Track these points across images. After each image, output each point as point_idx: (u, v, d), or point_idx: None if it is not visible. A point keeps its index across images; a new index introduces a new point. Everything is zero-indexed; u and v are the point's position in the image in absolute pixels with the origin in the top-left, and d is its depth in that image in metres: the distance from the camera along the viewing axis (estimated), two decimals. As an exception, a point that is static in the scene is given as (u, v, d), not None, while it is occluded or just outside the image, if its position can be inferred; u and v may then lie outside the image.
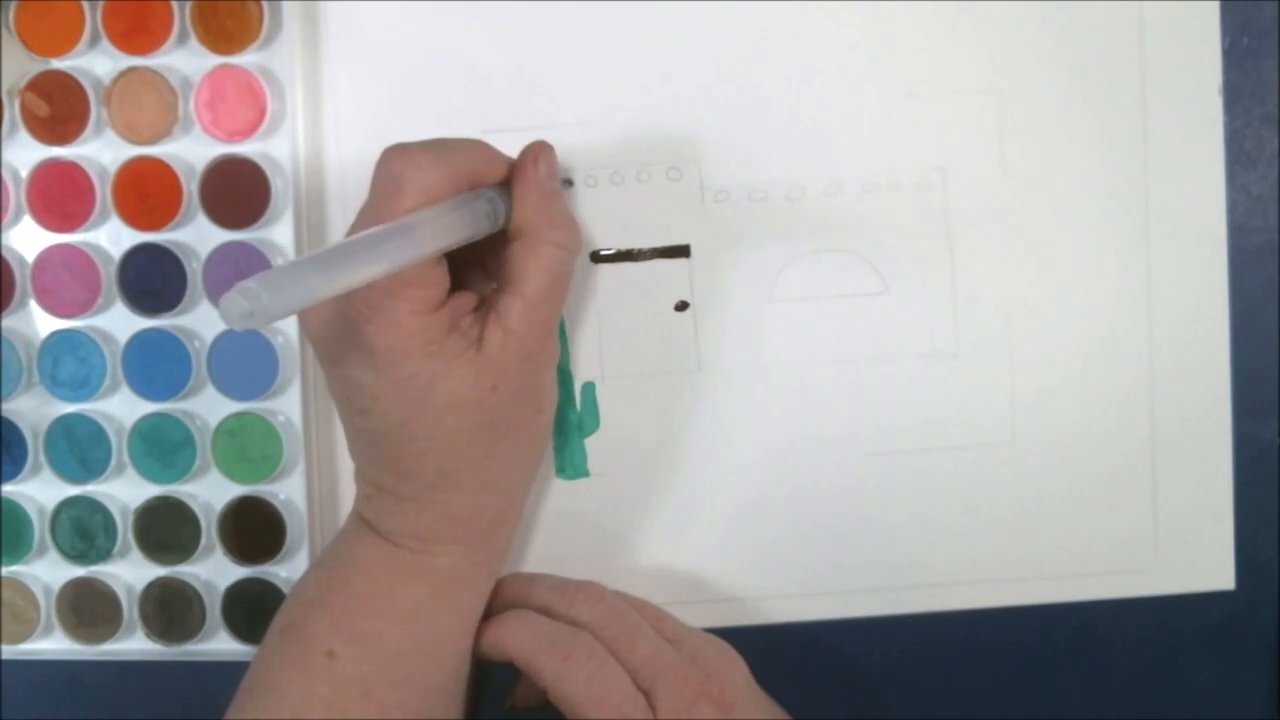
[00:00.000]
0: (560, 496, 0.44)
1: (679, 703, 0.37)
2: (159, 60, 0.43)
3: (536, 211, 0.36)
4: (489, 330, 0.35)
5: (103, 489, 0.44)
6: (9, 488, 0.45)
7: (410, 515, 0.37)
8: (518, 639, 0.38)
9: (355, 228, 0.35)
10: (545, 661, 0.37)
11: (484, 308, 0.36)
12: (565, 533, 0.44)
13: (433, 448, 0.36)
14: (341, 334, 0.35)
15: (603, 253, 0.43)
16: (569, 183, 0.42)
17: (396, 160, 0.34)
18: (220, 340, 0.43)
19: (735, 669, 0.39)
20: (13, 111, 0.43)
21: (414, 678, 0.38)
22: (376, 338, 0.34)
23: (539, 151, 0.37)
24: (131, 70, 0.42)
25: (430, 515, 0.37)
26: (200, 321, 0.43)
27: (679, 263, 0.43)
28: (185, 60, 0.43)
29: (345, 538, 0.39)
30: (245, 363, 0.43)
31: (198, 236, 0.43)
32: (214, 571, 0.44)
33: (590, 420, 0.43)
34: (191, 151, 0.43)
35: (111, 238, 0.43)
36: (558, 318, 0.38)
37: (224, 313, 0.26)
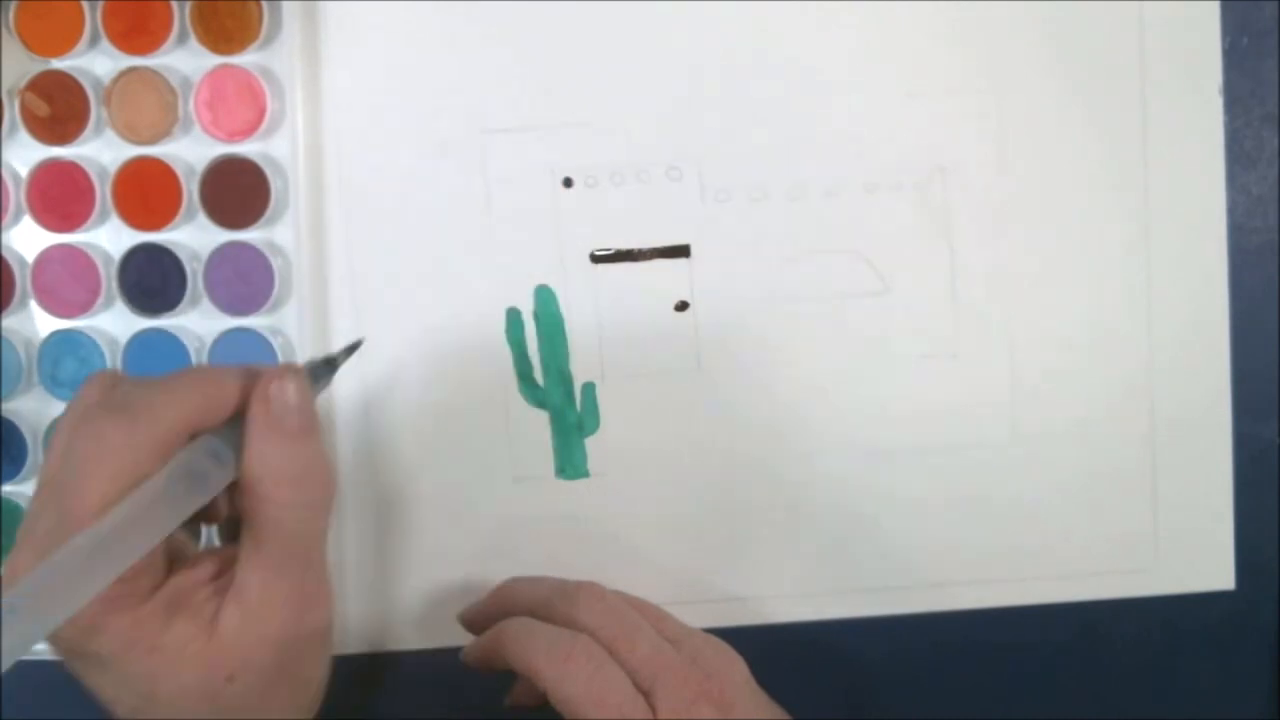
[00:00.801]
0: (560, 496, 0.44)
1: (679, 703, 0.36)
2: (159, 60, 0.43)
3: (266, 461, 0.30)
4: (226, 608, 0.30)
5: (103, 489, 0.44)
6: (9, 488, 0.44)
7: None
8: (516, 644, 0.38)
9: (42, 521, 0.29)
10: (544, 664, 0.37)
11: (226, 574, 0.31)
12: (565, 533, 0.44)
13: None
14: (61, 634, 0.29)
15: (603, 253, 0.43)
16: (349, 350, 0.36)
17: (82, 438, 0.28)
18: (220, 340, 0.43)
19: (735, 669, 0.39)
20: (13, 111, 0.43)
21: None
22: (89, 645, 0.29)
23: (270, 381, 0.31)
24: (131, 70, 0.42)
25: None
26: (200, 322, 0.43)
27: (679, 263, 0.43)
28: (185, 60, 0.43)
29: None
30: (245, 363, 0.43)
31: (198, 236, 0.43)
32: (214, 571, 0.44)
33: (590, 420, 0.43)
34: (191, 151, 0.43)
35: (111, 238, 0.43)
36: (313, 585, 0.31)
37: None
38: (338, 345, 0.43)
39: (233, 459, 0.30)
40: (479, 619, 0.41)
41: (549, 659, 0.37)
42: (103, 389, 0.31)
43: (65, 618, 0.26)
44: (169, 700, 0.30)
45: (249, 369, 0.31)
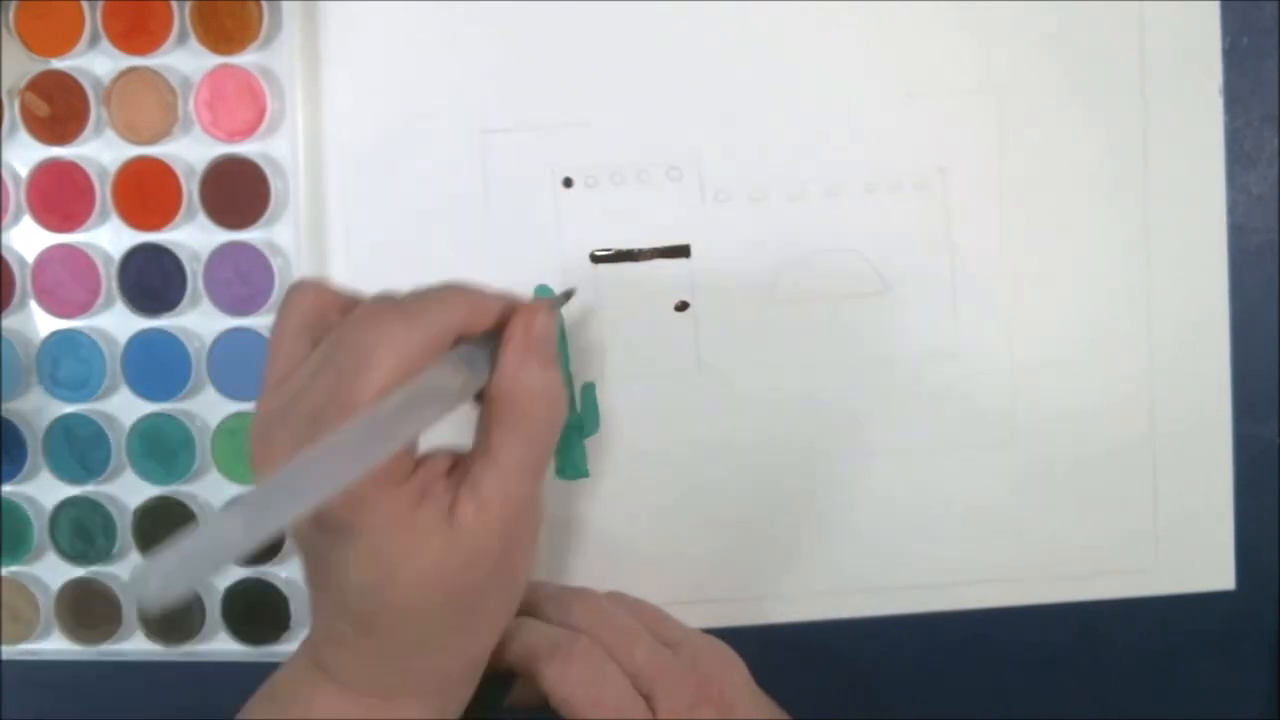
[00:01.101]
0: (560, 497, 0.44)
1: (679, 705, 0.36)
2: (159, 60, 0.43)
3: (516, 381, 0.33)
4: (462, 501, 0.32)
5: (102, 489, 0.44)
6: (9, 488, 0.45)
7: (371, 670, 0.34)
8: (517, 643, 0.38)
9: (310, 401, 0.31)
10: (544, 665, 0.37)
11: (459, 470, 0.33)
12: (565, 533, 0.44)
13: (401, 618, 0.33)
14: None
15: (603, 253, 0.43)
16: (568, 295, 0.40)
17: (366, 329, 0.31)
18: (220, 340, 0.43)
19: (734, 670, 0.39)
20: (13, 111, 0.43)
21: None
22: (339, 514, 0.31)
23: (534, 313, 0.34)
24: (131, 70, 0.42)
25: (393, 673, 0.35)
26: (200, 321, 0.43)
27: (679, 263, 0.43)
28: (185, 60, 0.43)
29: (297, 680, 0.36)
30: (245, 363, 0.43)
31: (198, 236, 0.43)
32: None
33: (590, 420, 0.43)
34: (191, 151, 0.43)
35: (111, 238, 0.43)
36: (538, 491, 0.34)
37: (134, 591, 0.23)
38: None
39: (487, 369, 0.33)
40: None
41: (549, 659, 0.37)
42: (333, 294, 0.34)
43: (352, 480, 0.28)
44: (409, 581, 0.32)
45: (504, 294, 0.34)
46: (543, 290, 0.43)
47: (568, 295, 0.40)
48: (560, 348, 0.43)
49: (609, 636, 0.38)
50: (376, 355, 0.30)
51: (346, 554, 0.32)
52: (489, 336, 0.33)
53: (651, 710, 0.36)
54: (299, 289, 0.34)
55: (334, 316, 0.33)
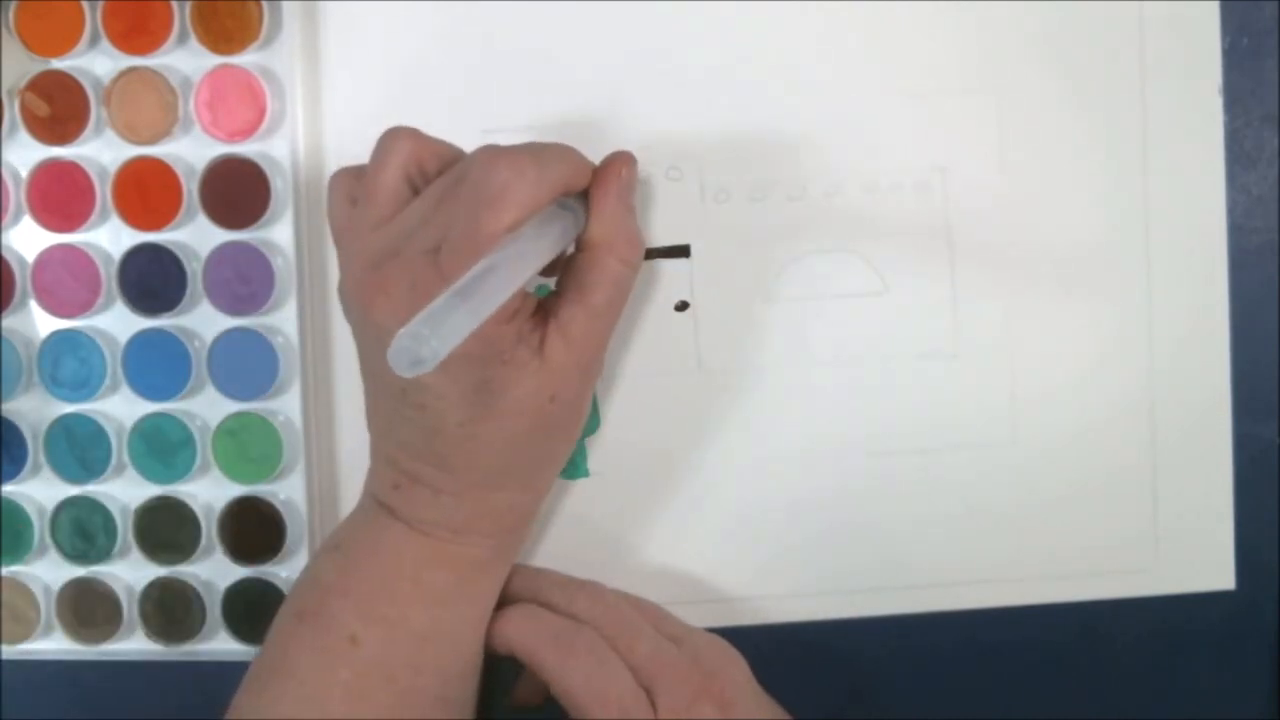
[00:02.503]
0: (560, 497, 0.44)
1: (679, 701, 0.37)
2: (159, 60, 0.43)
3: (612, 226, 0.36)
4: (550, 339, 0.35)
5: (103, 489, 0.44)
6: (9, 488, 0.45)
7: (446, 508, 0.37)
8: (521, 632, 0.38)
9: (430, 235, 0.33)
10: (547, 655, 0.37)
11: (541, 312, 0.36)
12: (565, 533, 0.44)
13: (488, 449, 0.36)
14: None
15: (603, 253, 0.43)
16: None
17: (501, 167, 0.33)
18: (220, 340, 0.43)
19: (736, 668, 0.39)
20: (13, 111, 0.43)
21: (435, 662, 0.38)
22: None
23: (623, 164, 0.37)
24: (131, 70, 0.42)
25: (467, 510, 0.37)
26: (200, 321, 0.43)
27: (679, 263, 0.43)
28: (185, 60, 0.43)
29: (363, 524, 0.38)
30: (245, 363, 0.43)
31: (198, 236, 0.43)
32: (214, 571, 0.44)
33: (590, 420, 0.43)
34: (191, 151, 0.43)
35: (111, 238, 0.43)
36: (612, 333, 0.37)
37: (395, 361, 0.26)
38: (338, 345, 0.43)
39: (583, 219, 0.36)
40: None
41: (553, 649, 0.37)
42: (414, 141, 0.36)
43: (500, 304, 0.30)
44: (506, 408, 0.35)
45: (602, 163, 0.37)
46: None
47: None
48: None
49: (612, 629, 0.38)
50: (510, 191, 0.32)
51: (448, 386, 0.34)
52: (581, 195, 0.36)
53: (653, 705, 0.36)
54: (396, 134, 0.35)
55: (433, 165, 0.35)
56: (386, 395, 0.36)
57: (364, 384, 0.38)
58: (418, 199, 0.35)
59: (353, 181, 0.37)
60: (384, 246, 0.34)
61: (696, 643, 0.39)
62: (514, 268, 0.30)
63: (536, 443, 0.37)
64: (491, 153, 0.33)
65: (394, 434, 0.37)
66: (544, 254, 0.33)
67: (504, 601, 0.40)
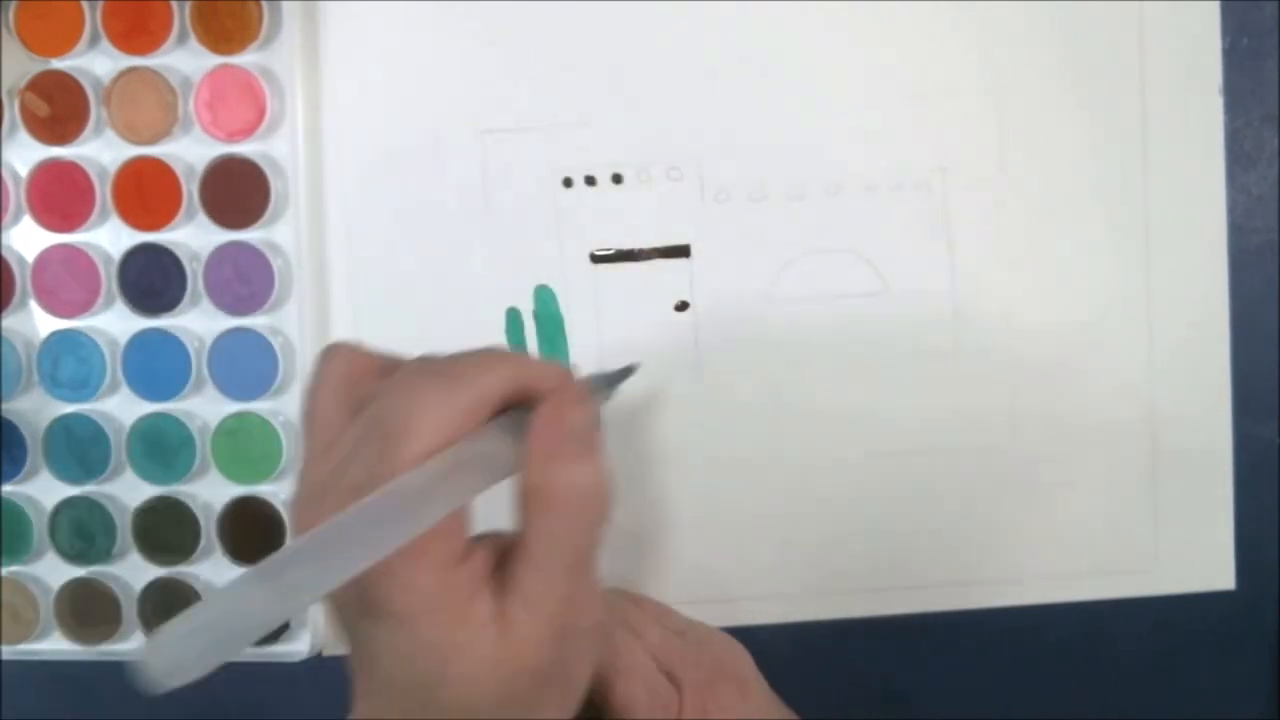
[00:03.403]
0: (560, 496, 0.43)
1: (699, 682, 0.37)
2: (159, 60, 0.43)
3: (551, 478, 0.30)
4: (510, 599, 0.30)
5: (102, 489, 0.44)
6: (9, 488, 0.44)
7: None
8: None
9: (354, 472, 0.29)
10: None
11: (506, 562, 0.30)
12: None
13: (450, 715, 0.30)
14: (351, 590, 0.28)
15: (603, 253, 0.43)
16: (626, 373, 0.37)
17: (405, 393, 0.29)
18: (220, 340, 0.43)
19: (742, 659, 0.39)
20: (13, 111, 0.43)
21: None
22: (388, 600, 0.28)
23: (564, 404, 0.30)
24: (131, 70, 0.42)
25: None
26: (200, 321, 0.43)
27: (679, 263, 0.43)
28: (185, 60, 0.43)
29: None
30: (245, 363, 0.43)
31: (198, 236, 0.43)
32: (214, 571, 0.44)
33: (590, 420, 0.43)
34: (191, 151, 0.43)
35: (111, 238, 0.43)
36: (591, 589, 0.32)
37: (148, 674, 0.22)
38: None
39: (524, 442, 0.30)
40: None
41: None
42: (368, 358, 0.32)
43: (388, 552, 0.26)
44: (459, 680, 0.29)
45: (553, 364, 0.32)
46: (542, 291, 0.43)
47: (626, 373, 0.37)
48: (560, 347, 0.43)
49: (620, 620, 0.38)
50: (415, 420, 0.28)
51: (396, 643, 0.29)
52: (525, 409, 0.30)
53: (676, 687, 0.36)
54: (333, 353, 0.32)
55: (370, 380, 0.31)
56: (347, 637, 0.32)
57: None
58: (350, 428, 0.30)
59: (346, 369, 0.32)
60: (320, 480, 0.30)
61: (700, 635, 0.39)
62: (399, 519, 0.26)
63: (510, 714, 0.31)
64: (399, 376, 0.29)
65: (361, 677, 0.32)
66: (458, 494, 0.28)
67: None
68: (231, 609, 0.23)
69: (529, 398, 0.30)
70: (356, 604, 0.29)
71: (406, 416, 0.28)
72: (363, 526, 0.26)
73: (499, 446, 0.29)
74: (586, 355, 0.43)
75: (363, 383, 0.31)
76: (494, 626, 0.29)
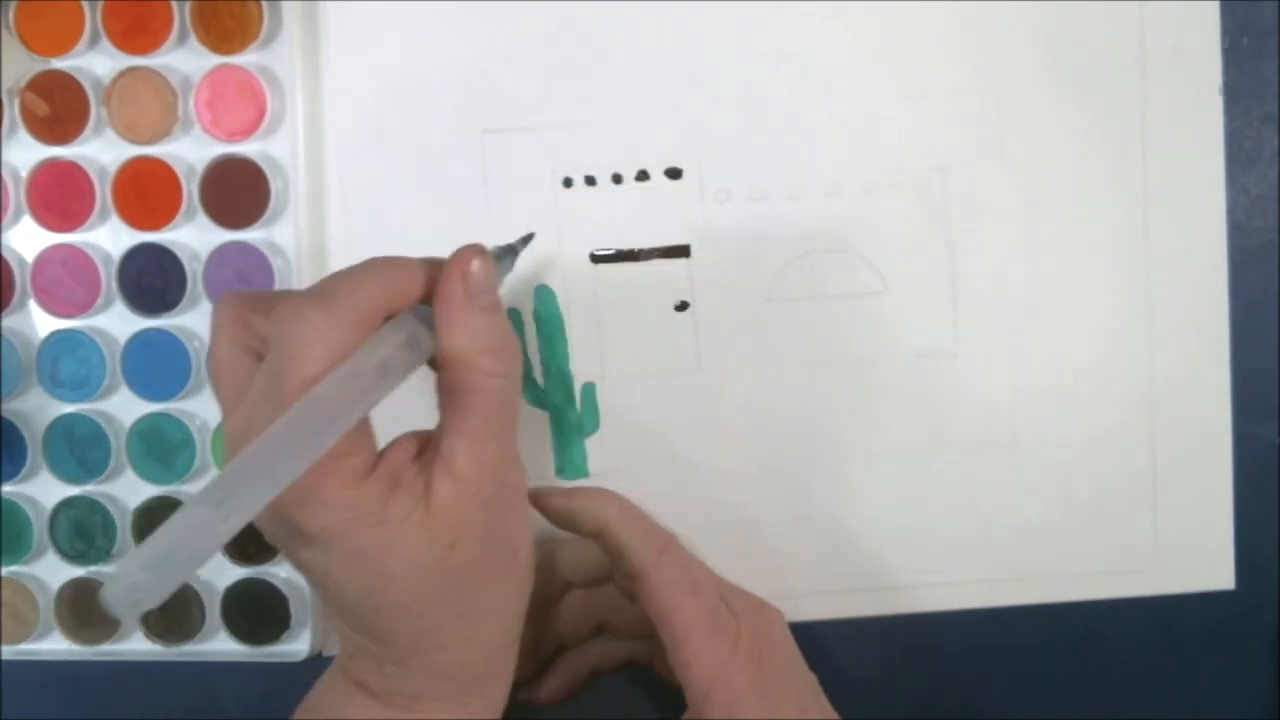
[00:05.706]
0: (560, 496, 0.43)
1: (751, 610, 0.38)
2: (159, 60, 0.43)
3: (464, 337, 0.31)
4: (436, 480, 0.31)
5: (102, 489, 0.44)
6: (9, 488, 0.45)
7: (395, 676, 0.34)
8: (620, 515, 0.37)
9: (248, 407, 0.30)
10: (643, 545, 0.37)
11: (428, 451, 0.32)
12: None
13: (401, 618, 0.32)
14: (275, 519, 0.31)
15: (603, 253, 0.43)
16: (525, 240, 0.38)
17: (287, 325, 0.29)
18: (220, 340, 0.43)
19: (775, 613, 0.40)
20: (13, 111, 0.43)
21: None
22: (309, 523, 0.30)
23: (467, 259, 0.32)
24: (131, 70, 0.42)
25: (415, 676, 0.34)
26: (200, 321, 0.43)
27: (679, 263, 0.43)
28: (185, 60, 0.43)
29: (331, 693, 0.36)
30: (245, 363, 0.43)
31: (198, 236, 0.43)
32: (213, 571, 0.44)
33: (590, 420, 0.43)
34: (191, 151, 0.43)
35: (111, 238, 0.43)
36: (512, 449, 0.33)
37: (114, 606, 0.24)
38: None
39: (428, 337, 0.31)
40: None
41: (649, 542, 0.37)
42: (251, 297, 0.32)
43: (287, 484, 0.27)
44: (400, 574, 0.31)
45: (429, 259, 0.33)
46: (542, 291, 0.43)
47: (524, 242, 0.38)
48: (560, 348, 0.43)
49: (677, 553, 0.39)
50: (301, 349, 0.29)
51: (331, 563, 0.31)
52: (421, 305, 0.32)
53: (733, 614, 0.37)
54: (218, 306, 0.32)
55: (262, 319, 0.31)
56: (303, 576, 0.34)
57: None
58: (258, 373, 0.31)
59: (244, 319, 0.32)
60: (237, 432, 0.31)
61: (732, 587, 0.40)
62: (297, 442, 0.27)
63: (457, 597, 0.32)
64: (280, 310, 0.30)
65: (328, 610, 0.35)
66: (358, 402, 0.29)
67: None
68: (180, 537, 0.25)
69: (414, 299, 0.32)
70: (287, 535, 0.31)
71: (292, 344, 0.29)
72: (269, 455, 0.27)
73: (392, 351, 0.30)
74: (587, 355, 0.43)
75: (253, 328, 0.32)
76: (415, 515, 0.30)
